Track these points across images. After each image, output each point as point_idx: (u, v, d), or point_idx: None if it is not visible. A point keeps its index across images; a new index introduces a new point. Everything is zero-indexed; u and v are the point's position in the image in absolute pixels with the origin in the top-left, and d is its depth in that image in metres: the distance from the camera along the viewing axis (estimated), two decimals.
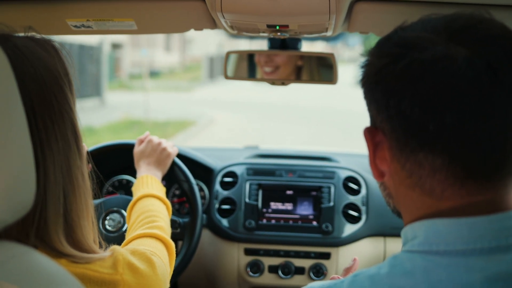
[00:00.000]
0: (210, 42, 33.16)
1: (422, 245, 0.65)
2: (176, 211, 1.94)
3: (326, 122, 12.15)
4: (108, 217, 1.61)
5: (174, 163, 1.67)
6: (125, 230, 1.57)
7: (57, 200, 0.85)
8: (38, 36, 0.92)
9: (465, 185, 0.63)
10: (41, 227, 0.83)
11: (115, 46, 25.06)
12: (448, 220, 0.64)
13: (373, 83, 0.69)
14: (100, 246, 0.97)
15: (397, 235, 1.84)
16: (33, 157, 0.64)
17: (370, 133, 0.71)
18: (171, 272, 1.18)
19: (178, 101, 16.43)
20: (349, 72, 26.05)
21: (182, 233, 1.64)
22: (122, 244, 1.15)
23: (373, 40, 0.76)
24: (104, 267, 0.89)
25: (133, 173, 1.65)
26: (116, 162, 1.79)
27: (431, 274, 0.62)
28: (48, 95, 0.85)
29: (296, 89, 19.40)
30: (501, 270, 0.60)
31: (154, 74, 26.54)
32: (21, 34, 0.91)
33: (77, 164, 0.89)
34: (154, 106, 13.76)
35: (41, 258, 0.65)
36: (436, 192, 0.65)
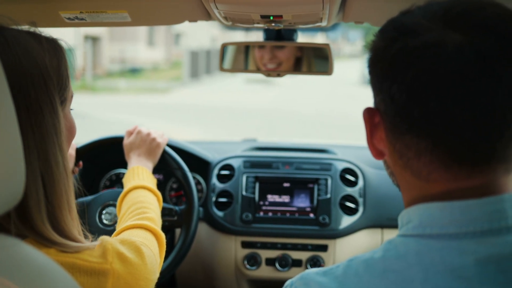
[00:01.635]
0: (202, 35, 31.09)
1: (416, 228, 0.66)
2: (173, 205, 1.94)
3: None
4: (104, 211, 1.61)
5: (165, 152, 1.66)
6: None
7: (36, 190, 0.85)
8: (39, 31, 0.92)
9: (450, 170, 0.64)
10: (26, 217, 0.83)
11: (91, 39, 22.31)
12: (441, 203, 0.64)
13: (372, 65, 0.70)
14: (86, 238, 0.97)
15: (395, 226, 1.84)
16: (22, 148, 0.64)
17: (369, 113, 0.72)
18: (161, 263, 1.19)
19: (143, 108, 13.51)
20: (354, 68, 23.76)
21: (179, 220, 1.64)
22: (113, 235, 1.16)
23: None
24: (94, 256, 0.89)
25: None
26: (112, 157, 1.79)
27: (424, 257, 0.62)
28: (25, 85, 0.85)
29: (295, 88, 17.76)
30: (493, 252, 0.60)
31: (134, 71, 24.08)
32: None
33: (56, 157, 0.89)
34: (101, 116, 11.32)
35: (29, 250, 0.65)
36: (423, 175, 0.66)
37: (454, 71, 0.60)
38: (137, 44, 26.40)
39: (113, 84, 19.43)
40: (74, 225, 0.93)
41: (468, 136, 0.61)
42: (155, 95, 17.11)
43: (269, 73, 1.60)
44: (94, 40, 22.98)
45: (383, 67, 0.67)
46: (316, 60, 1.62)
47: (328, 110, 13.51)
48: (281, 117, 12.35)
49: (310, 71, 1.63)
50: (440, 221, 0.64)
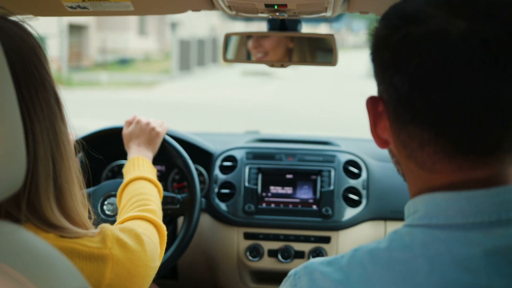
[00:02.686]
0: (201, 25, 29.47)
1: (422, 219, 0.65)
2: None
3: None
4: (106, 202, 1.61)
5: (164, 141, 1.65)
6: None
7: (47, 165, 0.86)
8: (9, 16, 0.93)
9: (454, 160, 0.63)
10: (32, 193, 0.84)
11: (77, 28, 20.67)
12: (447, 193, 0.63)
13: (375, 53, 0.69)
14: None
15: (398, 218, 1.84)
16: (23, 134, 0.63)
17: (372, 102, 0.71)
18: (162, 255, 1.19)
19: (119, 106, 11.36)
20: (360, 60, 21.52)
21: (181, 209, 1.63)
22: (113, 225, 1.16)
23: None
24: (93, 241, 0.90)
25: None
26: (114, 148, 1.78)
27: (429, 248, 0.61)
28: (29, 65, 0.87)
29: (297, 81, 16.56)
30: (501, 244, 0.59)
31: (124, 62, 22.49)
32: None
33: (61, 129, 0.91)
34: None
35: (29, 236, 0.65)
36: (427, 165, 0.65)
37: (458, 60, 0.59)
38: (127, 33, 24.56)
39: (93, 78, 17.55)
40: (82, 200, 0.95)
41: (472, 127, 0.60)
42: (140, 90, 15.42)
43: (272, 63, 1.58)
44: (80, 29, 21.58)
45: (385, 56, 0.65)
46: (317, 51, 1.59)
47: (332, 108, 12.04)
48: (280, 118, 10.69)
49: (305, 61, 1.60)
50: (447, 212, 0.63)
